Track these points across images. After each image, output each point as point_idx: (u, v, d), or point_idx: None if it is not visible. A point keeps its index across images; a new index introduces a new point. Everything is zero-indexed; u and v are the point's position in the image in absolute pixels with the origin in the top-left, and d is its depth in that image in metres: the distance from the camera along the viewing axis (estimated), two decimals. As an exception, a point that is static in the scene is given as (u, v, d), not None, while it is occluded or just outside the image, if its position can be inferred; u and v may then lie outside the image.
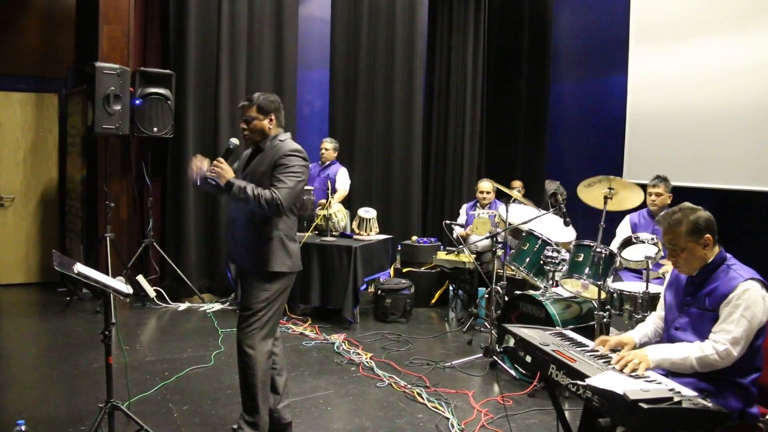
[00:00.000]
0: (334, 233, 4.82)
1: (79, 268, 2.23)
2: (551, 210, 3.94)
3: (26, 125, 5.68)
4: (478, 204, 5.11)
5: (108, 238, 4.81)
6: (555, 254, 3.61)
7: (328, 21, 6.12)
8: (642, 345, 2.23)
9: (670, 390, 1.77)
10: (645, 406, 1.63)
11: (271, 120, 2.56)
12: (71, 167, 5.52)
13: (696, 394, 1.77)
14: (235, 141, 2.59)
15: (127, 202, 5.20)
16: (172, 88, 4.99)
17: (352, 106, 6.18)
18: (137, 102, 4.85)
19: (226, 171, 2.48)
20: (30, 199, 5.71)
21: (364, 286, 4.60)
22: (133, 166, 5.13)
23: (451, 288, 5.05)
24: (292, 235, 2.55)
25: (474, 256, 4.93)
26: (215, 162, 2.48)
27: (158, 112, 4.91)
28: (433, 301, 5.22)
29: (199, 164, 2.52)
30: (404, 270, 5.24)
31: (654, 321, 2.32)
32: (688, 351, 2.04)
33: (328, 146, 5.39)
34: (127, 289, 2.35)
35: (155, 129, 4.91)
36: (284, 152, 2.46)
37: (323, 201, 4.88)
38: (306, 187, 4.26)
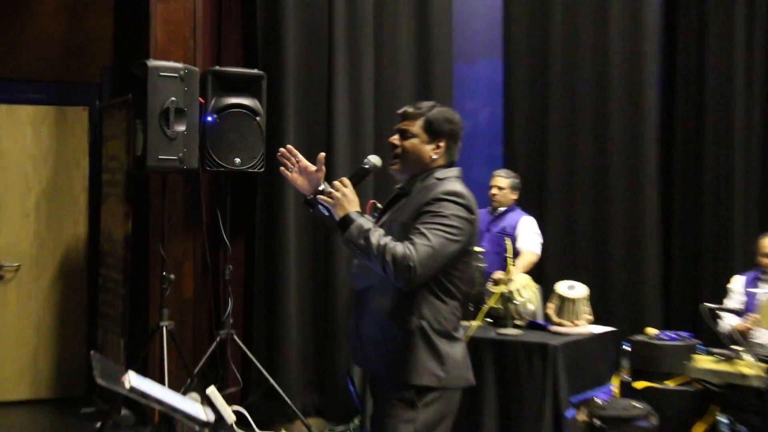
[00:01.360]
0: (518, 322, 4.81)
1: (134, 380, 2.29)
2: None
3: (40, 154, 5.74)
4: (763, 275, 5.18)
5: (165, 329, 4.81)
6: None
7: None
8: None
9: None
10: None
11: (438, 147, 2.74)
12: (108, 219, 5.53)
13: None
14: (374, 160, 2.79)
15: (194, 273, 5.26)
16: (262, 98, 5.10)
17: (541, 118, 6.34)
18: (211, 119, 4.95)
19: (348, 199, 2.64)
20: (44, 267, 5.78)
21: (572, 412, 4.50)
22: (203, 218, 5.18)
23: (723, 420, 4.79)
24: (446, 328, 2.67)
25: (765, 365, 4.66)
26: (336, 183, 2.65)
27: (243, 135, 5.03)
28: (691, 439, 5.07)
29: (302, 163, 2.76)
30: (637, 385, 5.08)
31: None
32: None
33: (503, 183, 5.55)
34: (207, 414, 2.42)
35: (237, 160, 5.00)
36: (437, 194, 2.62)
37: (499, 273, 4.91)
38: (475, 249, 4.48)
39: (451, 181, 2.72)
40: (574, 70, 6.30)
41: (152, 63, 4.68)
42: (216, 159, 4.95)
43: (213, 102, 4.96)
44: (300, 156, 2.82)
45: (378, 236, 2.59)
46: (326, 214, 2.71)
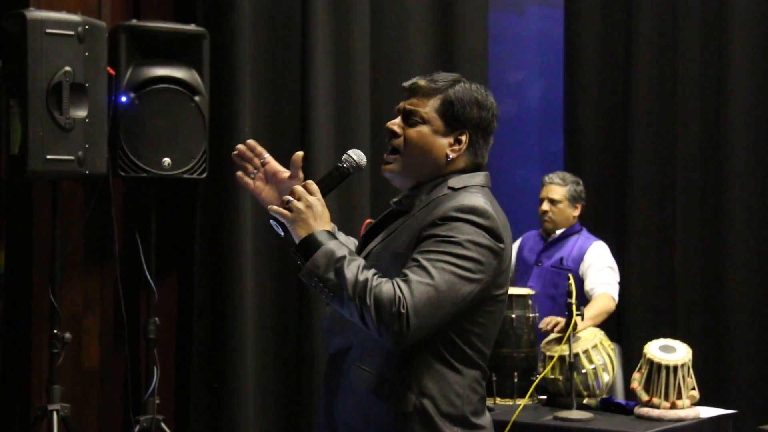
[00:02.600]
0: (586, 401, 4.86)
1: None
2: None
3: None
4: None
5: (56, 414, 4.68)
6: None
7: None
8: None
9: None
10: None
11: (458, 142, 2.76)
12: None
13: None
14: (356, 156, 2.83)
15: (102, 331, 5.24)
16: (203, 68, 5.12)
17: (622, 97, 6.57)
18: (125, 100, 4.95)
19: (314, 213, 2.67)
20: None
21: None
22: (115, 248, 5.13)
23: None
24: (460, 411, 2.67)
25: None
26: (298, 188, 2.68)
27: (174, 123, 5.05)
28: None
29: (269, 166, 2.89)
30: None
31: None
32: None
33: (559, 193, 5.70)
34: None
35: (167, 161, 5.00)
36: (447, 211, 2.63)
37: (556, 319, 4.95)
38: (516, 291, 4.95)
39: (472, 192, 2.69)
40: (675, 25, 6.50)
41: (33, 14, 4.56)
42: (134, 159, 4.93)
43: (129, 74, 4.96)
44: (266, 154, 2.87)
45: (356, 269, 2.54)
46: (281, 234, 2.70)
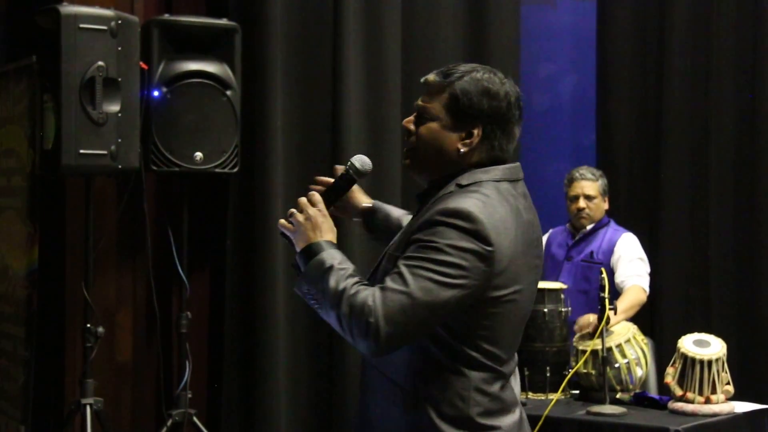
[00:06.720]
0: (620, 396, 4.87)
1: None
2: None
3: None
4: None
5: (89, 408, 4.68)
6: None
7: None
8: None
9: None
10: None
11: (469, 136, 2.73)
12: (2, 245, 5.51)
13: None
14: (358, 162, 2.87)
15: (134, 325, 5.27)
16: (235, 63, 5.14)
17: (655, 90, 6.57)
18: (158, 94, 4.97)
19: (313, 224, 2.72)
20: None
21: None
22: (147, 242, 5.17)
23: None
24: (465, 413, 2.65)
25: None
26: (302, 200, 2.74)
27: (206, 117, 5.07)
28: None
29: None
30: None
31: None
32: None
33: (592, 188, 5.71)
34: None
35: (199, 155, 5.01)
36: (433, 214, 2.63)
37: (588, 318, 5.00)
38: (549, 286, 5.00)
39: (471, 191, 2.66)
40: (709, 16, 6.48)
41: (67, 9, 4.53)
42: (166, 154, 4.95)
43: (161, 69, 4.98)
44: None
45: (339, 276, 2.57)
46: (292, 246, 2.79)
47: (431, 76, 2.78)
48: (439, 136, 2.73)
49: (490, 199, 2.63)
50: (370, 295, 2.54)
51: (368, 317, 2.51)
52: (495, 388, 2.67)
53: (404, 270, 2.54)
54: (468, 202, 2.59)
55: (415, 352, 2.64)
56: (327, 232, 2.68)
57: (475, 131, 2.70)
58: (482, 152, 2.73)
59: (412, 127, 2.77)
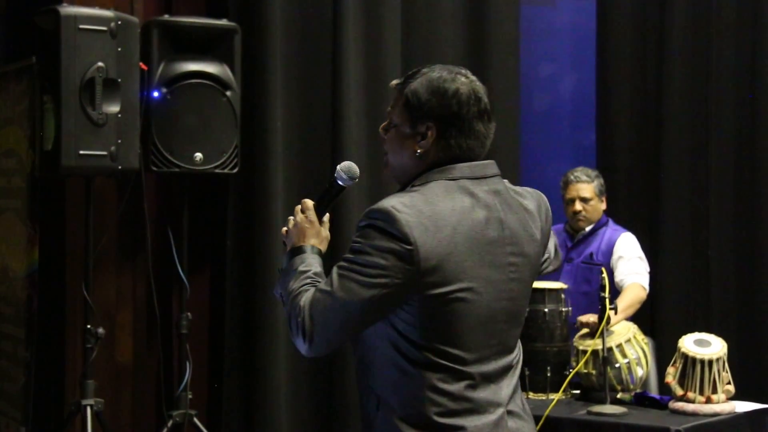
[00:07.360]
0: (620, 396, 4.87)
1: None
2: None
3: None
4: None
5: (89, 409, 4.73)
6: None
7: None
8: None
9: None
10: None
11: (423, 135, 2.71)
12: (3, 246, 5.39)
13: None
14: (344, 169, 2.89)
15: (134, 326, 5.28)
16: (234, 63, 5.16)
17: (655, 89, 6.55)
18: (158, 95, 4.99)
19: (300, 230, 2.79)
20: None
21: None
22: (148, 243, 5.20)
23: None
24: (423, 413, 2.63)
25: None
26: (297, 208, 2.81)
27: (206, 118, 5.09)
28: None
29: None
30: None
31: None
32: None
33: (588, 190, 5.68)
34: None
35: (199, 156, 5.04)
36: (363, 215, 2.69)
37: (588, 317, 4.99)
38: (549, 285, 4.97)
39: (414, 190, 2.65)
40: (709, 16, 6.49)
41: (67, 10, 4.60)
42: (166, 155, 4.97)
43: (161, 69, 4.99)
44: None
45: (297, 278, 2.66)
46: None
47: (393, 82, 2.81)
48: (399, 142, 2.73)
49: (426, 197, 2.61)
50: (307, 296, 2.62)
51: (298, 317, 2.58)
52: (456, 387, 2.63)
53: (333, 272, 2.59)
54: (392, 201, 2.60)
55: (379, 355, 2.66)
56: (311, 237, 2.73)
57: (429, 132, 2.68)
58: (439, 151, 2.70)
59: (383, 135, 2.80)
